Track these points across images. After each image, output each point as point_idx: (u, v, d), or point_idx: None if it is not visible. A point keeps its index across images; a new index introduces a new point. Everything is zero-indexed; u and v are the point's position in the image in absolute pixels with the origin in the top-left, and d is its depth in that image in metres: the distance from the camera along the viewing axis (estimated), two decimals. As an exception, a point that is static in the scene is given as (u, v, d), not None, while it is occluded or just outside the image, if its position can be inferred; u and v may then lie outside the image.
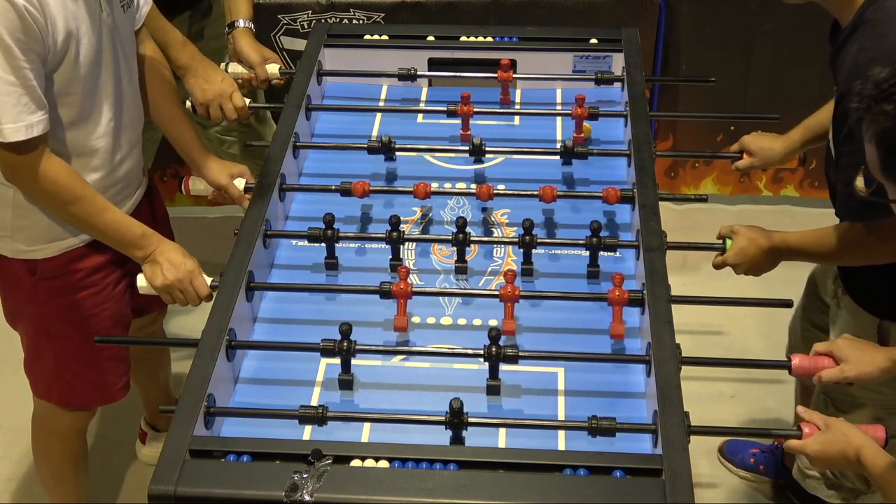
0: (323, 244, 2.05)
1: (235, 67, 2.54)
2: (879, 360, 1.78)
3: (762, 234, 2.05)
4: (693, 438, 1.64)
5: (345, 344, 1.78)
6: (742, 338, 3.14)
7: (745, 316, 3.22)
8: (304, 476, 1.54)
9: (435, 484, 1.54)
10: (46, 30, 1.81)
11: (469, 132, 2.35)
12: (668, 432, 1.61)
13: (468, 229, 2.02)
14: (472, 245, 2.06)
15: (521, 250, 2.03)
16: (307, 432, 1.74)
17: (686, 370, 1.74)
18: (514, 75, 2.50)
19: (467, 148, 2.27)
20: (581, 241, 2.02)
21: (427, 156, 2.33)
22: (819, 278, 2.34)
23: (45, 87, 1.86)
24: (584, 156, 2.23)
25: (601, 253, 2.07)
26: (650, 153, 2.19)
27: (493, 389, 1.80)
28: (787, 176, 3.60)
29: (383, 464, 1.59)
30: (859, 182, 1.56)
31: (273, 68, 2.53)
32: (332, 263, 2.07)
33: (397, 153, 2.29)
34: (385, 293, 1.90)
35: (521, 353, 1.78)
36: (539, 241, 2.01)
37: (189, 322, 3.13)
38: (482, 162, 2.30)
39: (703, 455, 2.78)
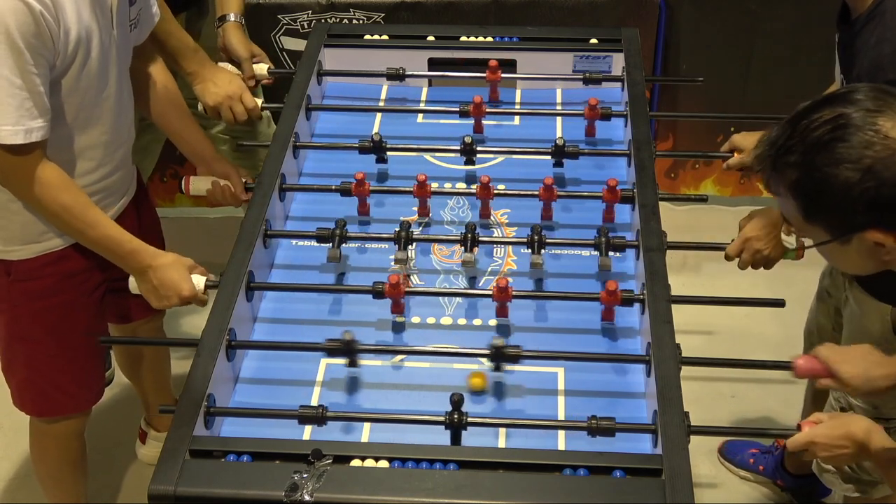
0: (330, 245, 2.04)
1: (223, 66, 2.53)
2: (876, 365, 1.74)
3: (769, 209, 2.04)
4: (693, 438, 1.64)
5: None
6: (742, 338, 3.14)
7: (745, 316, 3.22)
8: (304, 476, 1.54)
9: (435, 484, 1.55)
10: (59, 36, 1.81)
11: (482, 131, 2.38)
12: (668, 432, 1.61)
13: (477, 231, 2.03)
14: (475, 247, 2.05)
15: (529, 251, 2.02)
16: (307, 432, 1.74)
17: (686, 370, 1.74)
18: (515, 75, 2.51)
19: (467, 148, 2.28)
20: (589, 241, 2.03)
21: (427, 156, 2.33)
22: (826, 278, 2.34)
23: (49, 92, 1.85)
24: (575, 155, 2.23)
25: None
26: (650, 153, 2.19)
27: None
28: (787, 177, 3.59)
29: (383, 464, 1.59)
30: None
31: (261, 68, 2.53)
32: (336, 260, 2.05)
33: (396, 153, 2.29)
34: (378, 293, 1.90)
35: (522, 353, 1.78)
36: (548, 241, 2.01)
37: (189, 322, 3.13)
38: (474, 163, 2.29)
39: (703, 455, 2.78)
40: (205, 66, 2.39)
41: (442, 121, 2.39)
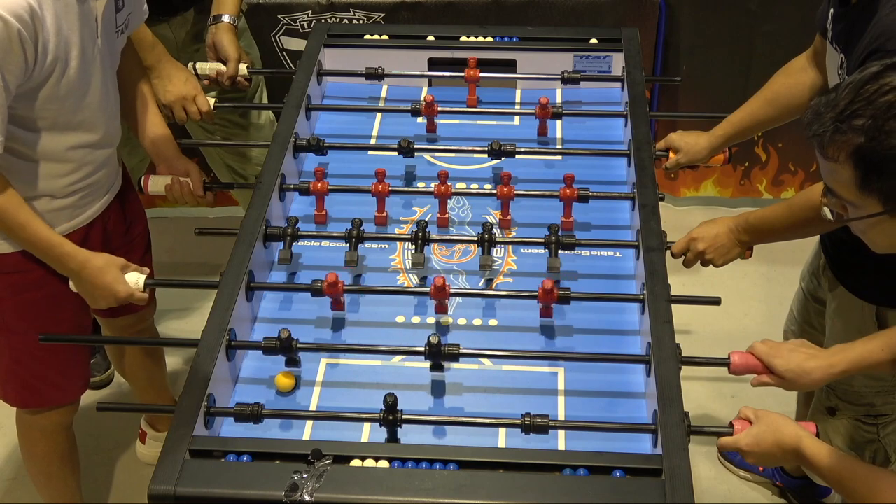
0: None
1: (203, 66, 2.53)
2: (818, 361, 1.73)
3: (723, 217, 2.07)
4: (693, 438, 1.64)
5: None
6: (742, 338, 3.14)
7: (744, 316, 3.22)
8: (304, 476, 1.55)
9: (435, 484, 1.55)
10: (35, 55, 1.80)
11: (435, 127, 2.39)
12: (668, 432, 1.61)
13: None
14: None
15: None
16: (307, 432, 1.74)
17: (686, 370, 1.74)
18: (514, 75, 2.51)
19: (468, 148, 2.28)
20: (592, 241, 2.03)
21: (427, 156, 2.33)
22: (807, 279, 2.34)
23: (26, 102, 1.85)
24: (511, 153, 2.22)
25: (601, 253, 2.08)
26: (650, 153, 2.19)
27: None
28: (787, 179, 3.60)
29: (383, 464, 1.59)
30: (826, 212, 1.55)
31: (242, 68, 2.54)
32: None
33: (394, 153, 2.29)
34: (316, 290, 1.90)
35: (517, 353, 1.79)
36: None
37: (188, 322, 3.13)
38: (467, 163, 2.29)
39: (703, 455, 2.78)
40: (162, 62, 2.38)
41: (442, 121, 2.39)
